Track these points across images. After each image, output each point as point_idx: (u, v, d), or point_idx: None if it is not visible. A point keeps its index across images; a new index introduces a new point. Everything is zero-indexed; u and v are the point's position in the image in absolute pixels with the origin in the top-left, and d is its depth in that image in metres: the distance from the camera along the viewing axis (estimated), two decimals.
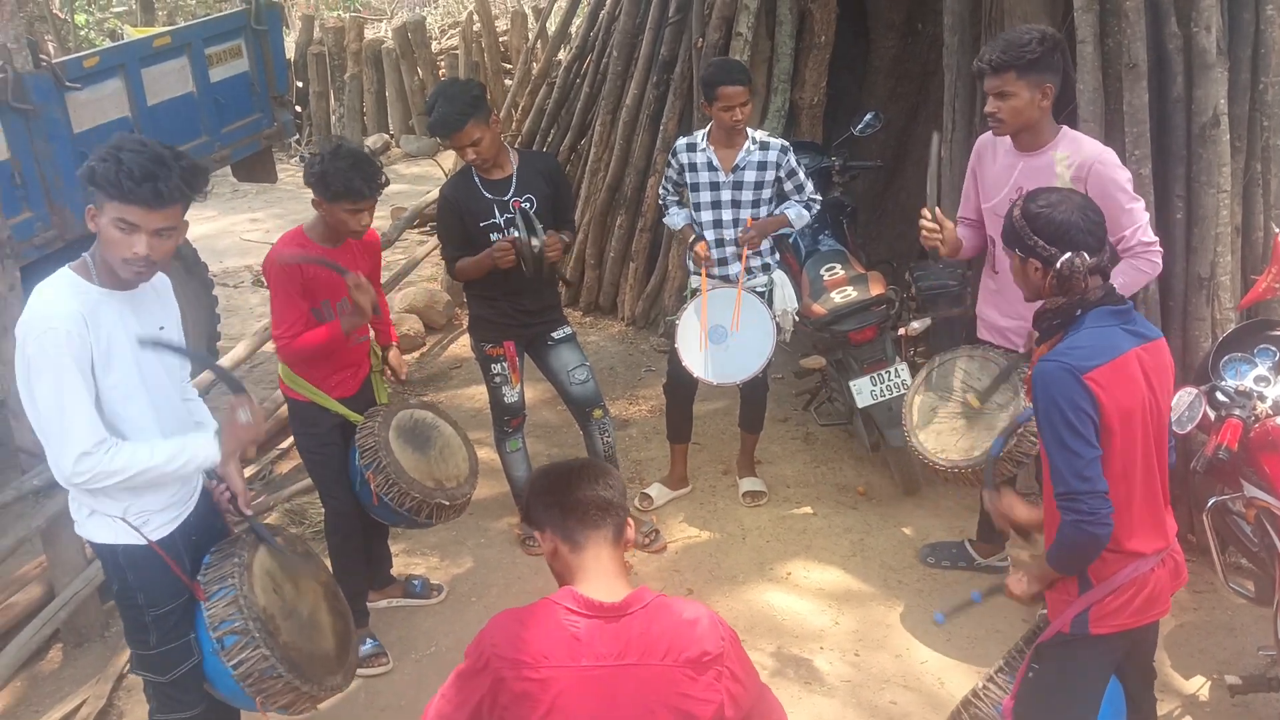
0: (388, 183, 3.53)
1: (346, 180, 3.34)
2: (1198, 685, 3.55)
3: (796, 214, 4.38)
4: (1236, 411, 3.33)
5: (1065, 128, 3.46)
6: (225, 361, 5.19)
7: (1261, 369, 3.47)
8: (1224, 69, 3.93)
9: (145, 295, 2.63)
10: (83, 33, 13.07)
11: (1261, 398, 3.36)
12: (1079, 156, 3.34)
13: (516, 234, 3.92)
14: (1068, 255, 2.44)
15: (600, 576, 2.06)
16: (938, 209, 3.56)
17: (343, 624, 2.99)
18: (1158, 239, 3.35)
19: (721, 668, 2.00)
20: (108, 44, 10.69)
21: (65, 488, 2.61)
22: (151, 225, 2.41)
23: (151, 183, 2.37)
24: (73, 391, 2.42)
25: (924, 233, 3.56)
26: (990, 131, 3.55)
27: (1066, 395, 2.37)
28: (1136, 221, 3.30)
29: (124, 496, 2.59)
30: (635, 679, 1.96)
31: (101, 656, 3.90)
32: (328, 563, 3.64)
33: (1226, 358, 3.54)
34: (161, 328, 2.67)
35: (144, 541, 2.62)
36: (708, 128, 4.34)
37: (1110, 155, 3.38)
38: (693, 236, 4.40)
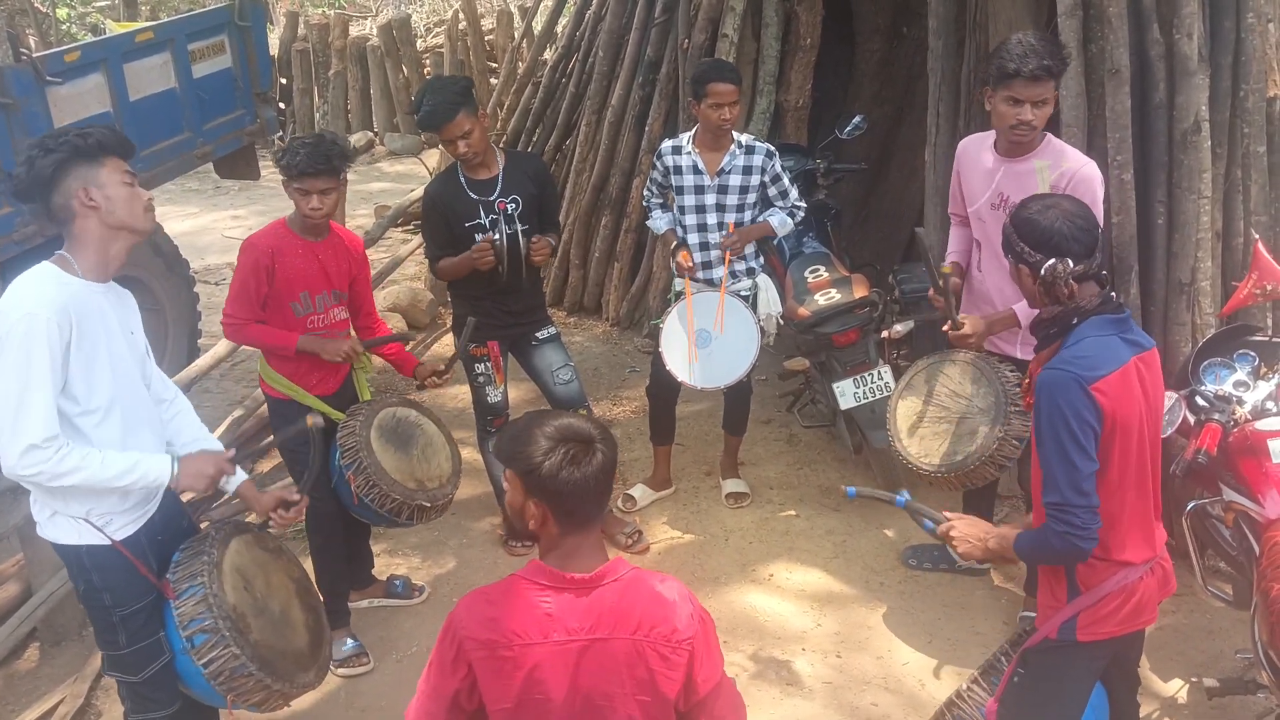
0: (341, 169, 3.50)
1: (292, 155, 3.36)
2: (1176, 688, 3.58)
3: (779, 221, 4.38)
4: (1216, 416, 3.36)
5: (1050, 135, 3.47)
6: (206, 359, 5.15)
7: (1241, 374, 3.49)
8: (1205, 76, 3.96)
9: (118, 294, 2.68)
10: (64, 27, 12.96)
11: (1240, 402, 3.39)
12: (1061, 165, 3.34)
13: (496, 236, 3.91)
14: (1051, 261, 2.44)
15: (578, 553, 2.03)
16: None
17: (315, 620, 2.97)
18: None
19: (691, 648, 2.01)
20: (89, 39, 10.60)
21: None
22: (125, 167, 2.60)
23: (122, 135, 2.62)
24: (38, 382, 2.41)
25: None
26: (971, 136, 3.55)
27: (1072, 405, 2.35)
28: None
29: (86, 498, 2.57)
30: (605, 653, 1.97)
31: (79, 655, 3.86)
32: (308, 563, 3.63)
33: (1206, 363, 3.57)
34: (132, 333, 2.70)
35: (108, 541, 2.60)
36: (693, 130, 4.34)
37: (1092, 168, 3.37)
38: (675, 243, 4.40)
